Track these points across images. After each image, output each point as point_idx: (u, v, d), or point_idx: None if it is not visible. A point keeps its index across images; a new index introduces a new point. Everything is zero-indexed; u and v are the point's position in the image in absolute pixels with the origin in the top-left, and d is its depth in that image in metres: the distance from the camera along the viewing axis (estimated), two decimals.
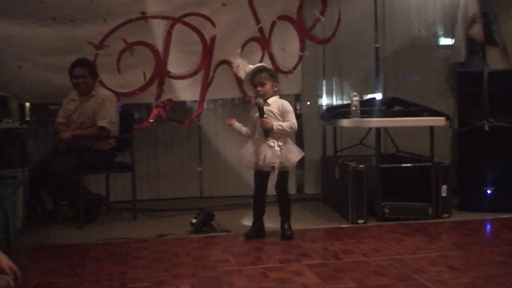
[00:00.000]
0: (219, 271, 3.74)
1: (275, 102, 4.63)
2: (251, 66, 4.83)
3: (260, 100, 4.55)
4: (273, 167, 4.48)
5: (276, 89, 4.69)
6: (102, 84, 5.83)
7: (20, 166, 5.12)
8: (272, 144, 4.50)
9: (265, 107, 4.55)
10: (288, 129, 4.57)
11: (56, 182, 5.21)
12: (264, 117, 4.50)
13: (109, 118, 5.43)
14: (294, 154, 4.64)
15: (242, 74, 4.85)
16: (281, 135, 4.56)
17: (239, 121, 4.89)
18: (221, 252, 4.23)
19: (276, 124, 4.51)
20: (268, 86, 4.61)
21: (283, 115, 4.60)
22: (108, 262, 4.04)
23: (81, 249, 4.41)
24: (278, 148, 4.50)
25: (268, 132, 4.51)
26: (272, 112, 4.57)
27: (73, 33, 5.89)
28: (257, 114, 4.56)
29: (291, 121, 4.58)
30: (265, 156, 4.48)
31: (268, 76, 4.66)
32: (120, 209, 5.85)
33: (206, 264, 3.92)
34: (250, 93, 6.14)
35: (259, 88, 4.60)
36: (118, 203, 6.00)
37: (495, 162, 5.48)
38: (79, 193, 5.14)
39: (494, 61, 6.16)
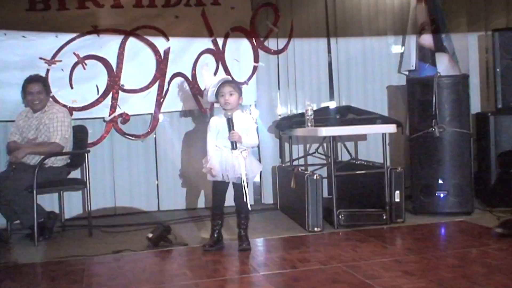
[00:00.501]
0: (176, 286, 3.72)
1: (241, 116, 4.66)
2: (216, 78, 4.82)
3: (230, 113, 4.57)
4: (241, 178, 4.52)
5: (241, 102, 4.72)
6: (54, 99, 5.78)
7: None
8: (237, 156, 4.53)
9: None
10: (253, 144, 4.66)
11: (8, 201, 5.11)
12: (233, 130, 4.53)
13: (61, 134, 5.36)
14: (257, 166, 4.71)
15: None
16: (245, 148, 4.59)
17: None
18: (178, 266, 4.21)
19: (244, 138, 4.56)
20: (235, 97, 4.63)
21: (247, 129, 4.64)
22: (63, 280, 3.98)
23: (36, 268, 4.35)
24: (243, 160, 4.54)
25: (235, 145, 4.54)
26: (238, 125, 4.59)
27: (24, 49, 5.86)
28: (223, 126, 4.57)
29: (255, 136, 4.66)
30: (233, 167, 4.51)
31: (236, 88, 4.69)
32: (75, 226, 5.76)
33: (163, 279, 3.90)
34: (206, 105, 6.19)
35: (227, 97, 4.60)
36: (73, 219, 5.92)
37: (447, 167, 5.56)
38: (32, 211, 5.06)
39: (444, 68, 6.28)
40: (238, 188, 4.60)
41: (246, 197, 4.56)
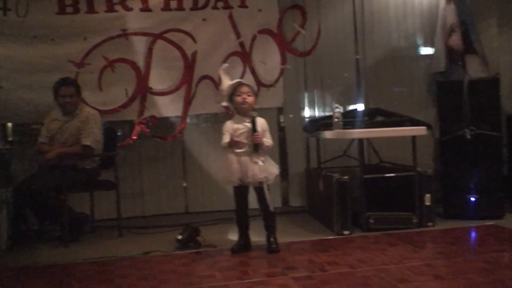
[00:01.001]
0: (205, 287, 3.73)
1: (258, 119, 4.66)
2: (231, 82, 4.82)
3: (256, 114, 4.57)
4: (262, 182, 4.52)
5: (255, 105, 4.72)
6: (83, 102, 5.80)
7: (3, 186, 5.09)
8: (256, 160, 4.53)
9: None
10: (270, 148, 4.66)
11: (39, 201, 5.17)
12: (258, 132, 4.53)
13: (93, 136, 5.42)
14: (274, 168, 4.69)
15: (223, 87, 4.86)
16: (263, 151, 4.59)
17: (218, 136, 4.90)
18: (207, 268, 4.21)
19: (265, 141, 4.56)
20: (252, 98, 4.65)
21: (263, 132, 4.64)
22: (94, 280, 4.02)
23: (67, 269, 4.38)
24: (262, 163, 4.54)
25: (258, 148, 4.53)
26: (259, 128, 4.59)
27: (53, 52, 5.91)
28: (244, 129, 4.57)
29: (271, 139, 4.68)
30: (254, 172, 4.51)
31: (253, 90, 4.73)
32: (105, 227, 5.80)
33: (192, 280, 3.90)
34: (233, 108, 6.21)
35: (245, 96, 4.61)
36: (103, 221, 5.95)
37: (478, 170, 5.51)
38: (63, 212, 5.12)
39: (474, 69, 6.20)
40: (259, 191, 4.60)
41: (263, 199, 4.59)
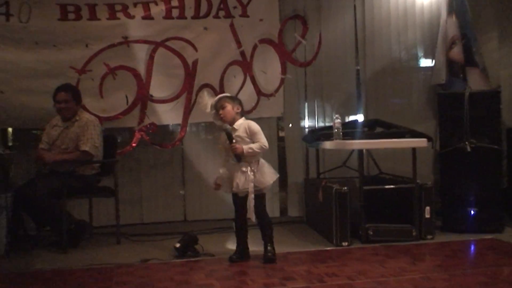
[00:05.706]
0: None
1: (241, 125, 4.64)
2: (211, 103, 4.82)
3: (227, 126, 4.57)
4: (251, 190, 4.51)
5: (238, 110, 4.69)
6: (84, 108, 5.80)
7: (2, 191, 5.07)
8: (244, 169, 4.52)
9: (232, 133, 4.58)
10: (258, 150, 4.57)
11: (37, 206, 5.15)
12: (234, 143, 4.51)
13: (92, 142, 5.40)
14: (268, 176, 4.63)
15: (209, 111, 4.87)
16: (253, 157, 4.57)
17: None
18: (205, 277, 4.19)
19: (246, 148, 4.52)
20: (228, 108, 4.63)
21: (251, 136, 4.60)
22: (91, 287, 4.01)
23: (65, 275, 4.37)
24: (251, 173, 4.52)
25: (239, 157, 4.53)
26: (239, 136, 4.58)
27: (55, 58, 5.90)
28: (227, 140, 4.58)
29: (260, 141, 4.58)
30: (237, 183, 4.51)
31: (226, 99, 4.71)
32: (103, 234, 5.79)
33: None
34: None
35: (220, 112, 4.63)
36: (101, 227, 5.95)
37: (477, 183, 5.50)
38: (61, 218, 5.10)
39: (475, 82, 6.20)
40: (255, 200, 4.57)
41: (256, 209, 4.54)
